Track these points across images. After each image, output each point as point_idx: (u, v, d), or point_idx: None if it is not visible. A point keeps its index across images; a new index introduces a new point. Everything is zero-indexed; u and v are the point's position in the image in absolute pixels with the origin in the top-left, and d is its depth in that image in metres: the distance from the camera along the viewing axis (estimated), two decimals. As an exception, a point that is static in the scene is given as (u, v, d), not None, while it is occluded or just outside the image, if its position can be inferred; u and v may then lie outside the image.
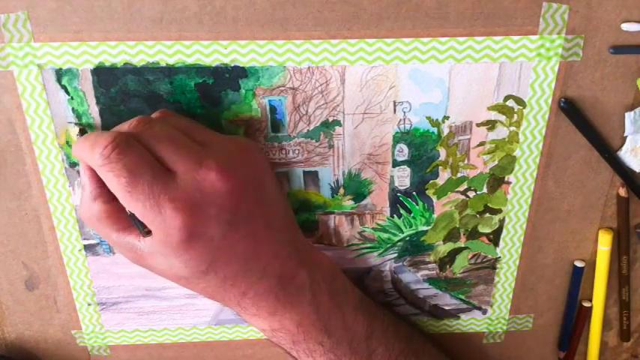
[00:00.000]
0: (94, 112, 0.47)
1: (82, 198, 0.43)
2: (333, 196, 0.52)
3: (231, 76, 0.46)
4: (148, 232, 0.41)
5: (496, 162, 0.51)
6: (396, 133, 0.49)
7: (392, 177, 0.51)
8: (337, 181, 0.51)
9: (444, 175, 0.51)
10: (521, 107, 0.48)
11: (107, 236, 0.43)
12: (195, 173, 0.39)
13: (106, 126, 0.47)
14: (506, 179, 0.52)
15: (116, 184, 0.39)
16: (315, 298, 0.46)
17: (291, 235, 0.47)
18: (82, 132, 0.46)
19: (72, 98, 0.46)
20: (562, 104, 0.47)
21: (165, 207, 0.39)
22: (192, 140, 0.42)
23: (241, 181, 0.41)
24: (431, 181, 0.52)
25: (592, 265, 0.56)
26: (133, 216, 0.41)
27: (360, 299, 0.50)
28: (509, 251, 0.55)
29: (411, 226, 0.54)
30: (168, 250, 0.40)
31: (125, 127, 0.42)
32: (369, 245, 0.55)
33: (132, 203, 0.39)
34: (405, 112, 0.48)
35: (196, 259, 0.40)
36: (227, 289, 0.43)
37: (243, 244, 0.42)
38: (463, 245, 0.55)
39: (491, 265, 0.56)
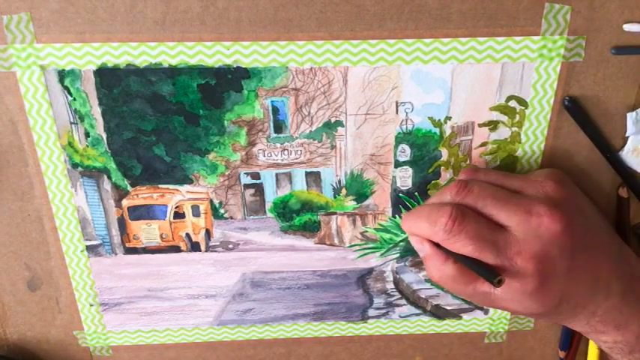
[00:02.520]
0: (96, 113, 0.47)
1: (429, 263, 0.46)
2: (335, 197, 0.52)
3: (234, 76, 0.46)
4: (499, 282, 0.42)
5: (498, 162, 0.51)
6: (399, 133, 0.49)
7: (394, 177, 0.51)
8: (339, 181, 0.51)
9: (446, 176, 0.51)
10: (523, 107, 0.48)
11: (462, 291, 0.46)
12: (528, 223, 0.42)
13: (108, 126, 0.47)
14: (508, 179, 0.52)
15: (463, 252, 0.43)
16: None
17: (618, 249, 0.48)
18: None
19: (74, 99, 0.46)
20: (566, 102, 0.47)
21: (513, 260, 0.42)
22: (509, 191, 0.45)
23: (569, 215, 0.43)
24: (433, 182, 0.52)
25: (593, 264, 0.56)
26: (479, 271, 0.43)
27: None
28: (511, 251, 0.55)
29: (413, 227, 0.54)
30: (525, 295, 0.43)
31: (447, 196, 0.45)
32: (371, 245, 0.55)
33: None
34: (407, 113, 0.48)
35: (549, 297, 0.44)
36: (577, 312, 0.46)
37: (585, 271, 0.45)
38: (465, 245, 0.55)
39: (493, 265, 0.56)
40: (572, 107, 0.48)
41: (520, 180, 0.46)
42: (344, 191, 0.52)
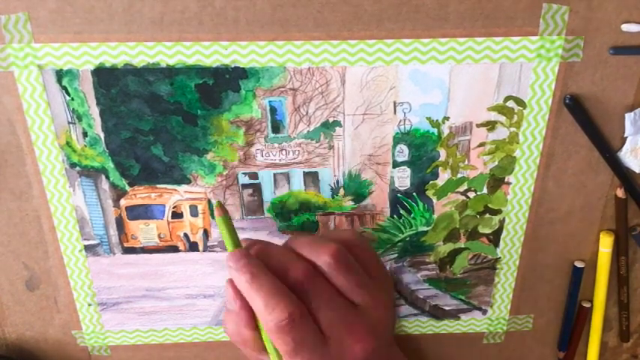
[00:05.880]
0: (94, 113, 0.47)
1: (231, 317, 0.44)
2: (333, 197, 0.52)
3: (232, 76, 0.46)
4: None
5: (496, 162, 0.51)
6: (397, 133, 0.49)
7: (392, 177, 0.51)
8: (337, 181, 0.51)
9: (444, 176, 0.51)
10: (521, 108, 0.48)
11: (248, 354, 0.46)
12: (344, 344, 0.42)
13: (106, 126, 0.47)
14: (506, 180, 0.52)
15: (280, 346, 0.41)
16: None
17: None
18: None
19: (72, 99, 0.46)
20: (567, 101, 0.47)
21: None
22: (348, 299, 0.43)
23: (377, 344, 0.43)
24: (431, 182, 0.52)
25: (592, 265, 0.56)
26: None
27: None
28: (509, 252, 0.55)
29: (411, 227, 0.54)
30: None
31: (292, 278, 0.41)
32: (369, 246, 0.55)
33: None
34: (405, 113, 0.48)
35: None
36: None
37: None
38: (463, 246, 0.55)
39: (491, 265, 0.56)
40: (573, 106, 0.47)
41: (369, 289, 0.44)
42: (342, 191, 0.52)
